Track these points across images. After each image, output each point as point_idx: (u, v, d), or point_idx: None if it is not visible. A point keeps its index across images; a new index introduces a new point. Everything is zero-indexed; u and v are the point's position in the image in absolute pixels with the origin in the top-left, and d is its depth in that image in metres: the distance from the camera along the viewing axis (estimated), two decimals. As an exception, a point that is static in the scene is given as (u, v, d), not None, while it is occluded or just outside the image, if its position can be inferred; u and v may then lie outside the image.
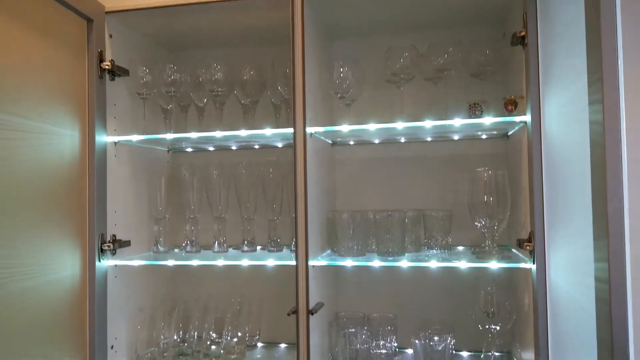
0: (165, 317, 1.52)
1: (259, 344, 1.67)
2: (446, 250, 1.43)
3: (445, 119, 1.33)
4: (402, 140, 1.66)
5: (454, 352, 1.45)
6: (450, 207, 1.45)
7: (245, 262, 1.44)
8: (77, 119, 1.32)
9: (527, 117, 1.20)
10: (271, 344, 1.69)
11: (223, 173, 1.58)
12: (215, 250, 1.56)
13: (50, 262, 1.21)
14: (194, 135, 1.45)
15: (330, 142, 1.67)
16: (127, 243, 1.47)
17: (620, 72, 0.66)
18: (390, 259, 1.36)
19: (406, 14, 1.51)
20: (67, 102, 1.28)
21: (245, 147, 1.75)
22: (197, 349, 1.51)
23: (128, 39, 1.53)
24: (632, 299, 0.63)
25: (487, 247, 1.35)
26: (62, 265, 1.25)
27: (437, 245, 1.43)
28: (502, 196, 1.33)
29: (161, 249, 1.57)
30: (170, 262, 1.47)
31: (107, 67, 1.39)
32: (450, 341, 1.37)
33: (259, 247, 1.60)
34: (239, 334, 1.56)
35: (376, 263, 1.35)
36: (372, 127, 1.36)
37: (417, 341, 1.36)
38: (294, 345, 1.31)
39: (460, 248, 1.55)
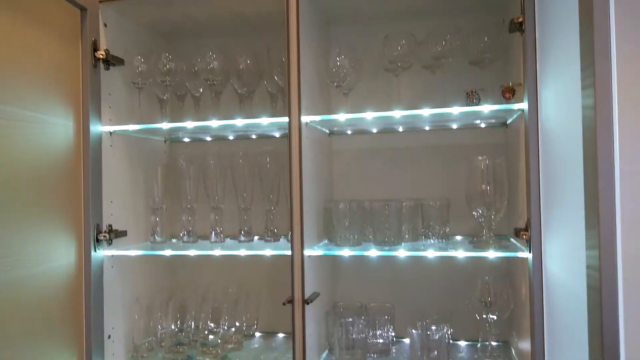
0: (162, 307, 1.52)
1: (257, 334, 1.68)
2: (444, 240, 1.42)
3: (443, 108, 1.32)
4: (400, 129, 1.65)
5: (451, 341, 1.45)
6: (449, 197, 1.44)
7: (242, 252, 1.43)
8: (71, 108, 1.31)
9: (525, 105, 1.18)
10: (269, 334, 1.70)
11: (220, 163, 1.57)
12: (212, 240, 1.56)
13: (45, 251, 1.21)
14: (190, 124, 1.44)
15: (327, 131, 1.66)
16: (123, 233, 1.47)
17: (612, 56, 0.64)
18: (386, 248, 1.36)
19: (404, 1, 1.49)
20: (61, 91, 1.28)
21: (243, 137, 1.75)
22: (194, 339, 1.52)
23: (123, 28, 1.52)
24: (622, 286, 0.62)
25: (484, 237, 1.34)
26: (57, 254, 1.25)
27: (435, 234, 1.42)
28: (500, 185, 1.32)
29: (158, 239, 1.56)
30: (167, 252, 1.47)
31: (101, 56, 1.38)
32: (447, 330, 1.36)
33: (256, 237, 1.60)
34: (237, 323, 1.56)
35: (373, 252, 1.34)
36: (369, 115, 1.35)
37: (414, 330, 1.36)
38: (292, 335, 1.31)
39: (458, 238, 1.54)
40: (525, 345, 1.24)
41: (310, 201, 1.38)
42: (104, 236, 1.38)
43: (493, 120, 1.51)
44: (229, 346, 1.52)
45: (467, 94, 1.36)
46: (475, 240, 1.38)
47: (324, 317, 1.48)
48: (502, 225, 1.50)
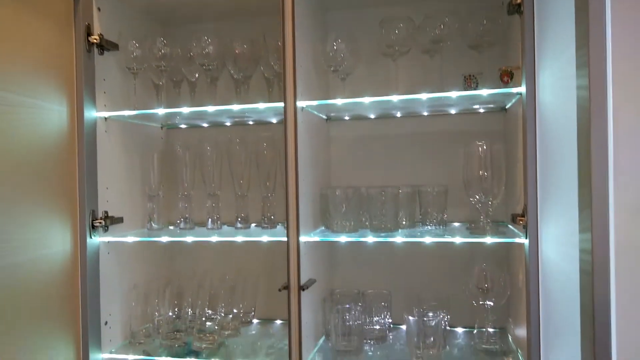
0: (159, 294, 1.52)
1: (255, 321, 1.68)
2: (441, 227, 1.41)
3: (441, 92, 1.30)
4: (399, 115, 1.63)
5: (448, 327, 1.45)
6: (447, 184, 1.43)
7: (239, 239, 1.43)
8: (65, 93, 1.30)
9: (523, 89, 1.16)
10: (267, 321, 1.70)
11: (217, 149, 1.56)
12: (209, 227, 1.55)
13: (40, 237, 1.21)
14: (186, 110, 1.43)
15: (325, 117, 1.65)
16: (119, 220, 1.47)
17: (607, 36, 0.63)
18: (383, 234, 1.35)
19: (401, -16, 1.47)
20: (54, 76, 1.26)
21: (239, 123, 1.73)
22: (191, 325, 1.52)
23: (117, 12, 1.50)
24: (614, 269, 0.61)
25: (481, 223, 1.33)
26: (52, 241, 1.25)
27: (432, 221, 1.41)
28: (497, 171, 1.31)
29: (155, 226, 1.56)
30: (164, 239, 1.46)
31: (95, 41, 1.37)
32: (444, 317, 1.36)
33: (253, 225, 1.59)
34: (234, 310, 1.56)
35: (369, 239, 1.34)
36: (366, 100, 1.33)
37: (410, 317, 1.35)
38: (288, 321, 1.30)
39: (456, 224, 1.53)
40: (522, 331, 1.24)
41: (307, 187, 1.37)
42: (100, 223, 1.37)
43: (492, 105, 1.50)
44: (226, 332, 1.53)
45: (464, 78, 1.34)
46: (472, 227, 1.37)
47: (320, 304, 1.48)
48: (500, 212, 1.49)
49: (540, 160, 1.10)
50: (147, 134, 1.70)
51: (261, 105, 1.38)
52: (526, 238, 1.15)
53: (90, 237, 1.35)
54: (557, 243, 0.98)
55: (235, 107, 1.40)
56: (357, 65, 1.45)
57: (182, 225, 1.56)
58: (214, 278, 1.58)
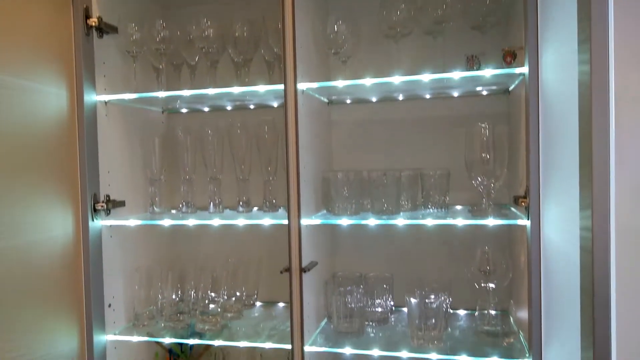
0: (162, 277, 1.53)
1: (258, 303, 1.69)
2: (443, 210, 1.40)
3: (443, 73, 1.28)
4: (401, 98, 1.61)
5: (450, 310, 1.45)
6: (449, 168, 1.42)
7: (240, 221, 1.43)
8: (64, 77, 1.29)
9: (525, 69, 1.15)
10: (269, 303, 1.71)
11: (218, 134, 1.56)
12: (211, 211, 1.55)
13: (40, 220, 1.21)
14: (186, 92, 1.42)
15: (326, 100, 1.63)
16: (121, 203, 1.47)
17: (610, 13, 0.61)
18: (384, 217, 1.34)
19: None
20: (52, 59, 1.26)
21: (240, 106, 1.72)
22: (194, 308, 1.53)
23: (116, -5, 1.49)
24: (615, 247, 0.60)
25: (483, 205, 1.32)
26: (54, 224, 1.25)
27: (434, 204, 1.40)
28: (500, 153, 1.30)
29: (157, 210, 1.56)
30: (166, 222, 1.47)
31: (94, 23, 1.36)
32: (445, 299, 1.36)
33: (254, 208, 1.59)
34: (237, 293, 1.57)
35: (371, 221, 1.33)
36: (367, 81, 1.32)
37: (412, 299, 1.36)
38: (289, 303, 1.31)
39: (458, 207, 1.53)
40: (524, 313, 1.24)
41: (308, 171, 1.37)
42: (102, 206, 1.38)
43: (495, 87, 1.48)
44: (229, 315, 1.54)
45: (467, 58, 1.33)
46: (474, 209, 1.36)
47: (322, 286, 1.49)
48: (503, 195, 1.48)
49: (543, 140, 1.10)
50: (148, 119, 1.70)
51: (261, 88, 1.37)
52: (528, 219, 1.15)
53: (93, 220, 1.35)
54: (559, 224, 0.97)
55: (236, 90, 1.40)
56: (358, 48, 1.44)
57: (184, 209, 1.57)
58: (216, 261, 1.59)
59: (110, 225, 1.44)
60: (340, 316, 1.40)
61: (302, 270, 1.29)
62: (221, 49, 1.50)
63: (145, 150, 1.58)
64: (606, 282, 0.60)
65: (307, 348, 1.32)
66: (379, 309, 1.50)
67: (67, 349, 1.29)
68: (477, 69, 1.31)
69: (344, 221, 1.35)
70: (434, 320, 1.33)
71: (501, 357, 1.23)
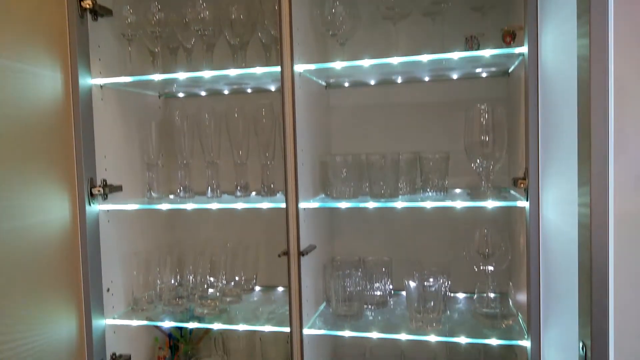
0: (161, 262, 1.53)
1: (257, 287, 1.69)
2: (442, 193, 1.39)
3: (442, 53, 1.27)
4: (399, 80, 1.60)
5: (449, 293, 1.45)
6: (449, 152, 1.41)
7: (238, 205, 1.42)
8: (58, 60, 1.28)
9: (525, 49, 1.13)
10: (269, 287, 1.71)
11: (215, 118, 1.54)
12: (209, 195, 1.55)
13: (36, 204, 1.20)
14: (182, 75, 1.41)
15: (324, 84, 1.62)
16: (118, 188, 1.46)
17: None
18: (383, 200, 1.34)
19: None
20: (45, 41, 1.24)
21: (238, 91, 1.71)
22: (193, 292, 1.53)
23: (110, -24, 1.47)
24: (613, 222, 0.59)
25: (482, 188, 1.31)
26: (50, 208, 1.25)
27: (433, 187, 1.40)
28: (499, 134, 1.29)
29: (154, 195, 1.56)
30: (164, 206, 1.46)
31: (88, 6, 1.34)
32: (444, 282, 1.36)
33: (252, 193, 1.59)
34: (236, 277, 1.57)
35: (370, 204, 1.33)
36: (365, 62, 1.30)
37: (410, 282, 1.36)
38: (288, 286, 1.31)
39: (457, 190, 1.52)
40: (523, 296, 1.24)
41: (306, 155, 1.36)
42: (99, 191, 1.37)
43: (494, 69, 1.46)
44: (228, 299, 1.54)
45: (466, 39, 1.31)
46: (473, 192, 1.35)
47: (321, 270, 1.49)
48: (503, 178, 1.47)
49: (542, 121, 1.08)
50: (145, 103, 1.68)
51: (258, 70, 1.36)
52: (527, 201, 1.14)
53: (90, 205, 1.35)
54: (558, 206, 0.97)
55: (232, 73, 1.38)
56: (356, 29, 1.42)
57: (181, 194, 1.56)
58: (214, 246, 1.59)
59: (108, 210, 1.43)
60: (339, 300, 1.40)
61: (301, 253, 1.28)
62: (217, 31, 1.48)
63: (142, 135, 1.57)
64: (604, 258, 0.60)
65: (306, 331, 1.32)
66: (378, 293, 1.50)
67: (65, 333, 1.29)
68: (476, 50, 1.30)
69: (343, 204, 1.35)
70: (432, 303, 1.33)
71: (500, 339, 1.23)
